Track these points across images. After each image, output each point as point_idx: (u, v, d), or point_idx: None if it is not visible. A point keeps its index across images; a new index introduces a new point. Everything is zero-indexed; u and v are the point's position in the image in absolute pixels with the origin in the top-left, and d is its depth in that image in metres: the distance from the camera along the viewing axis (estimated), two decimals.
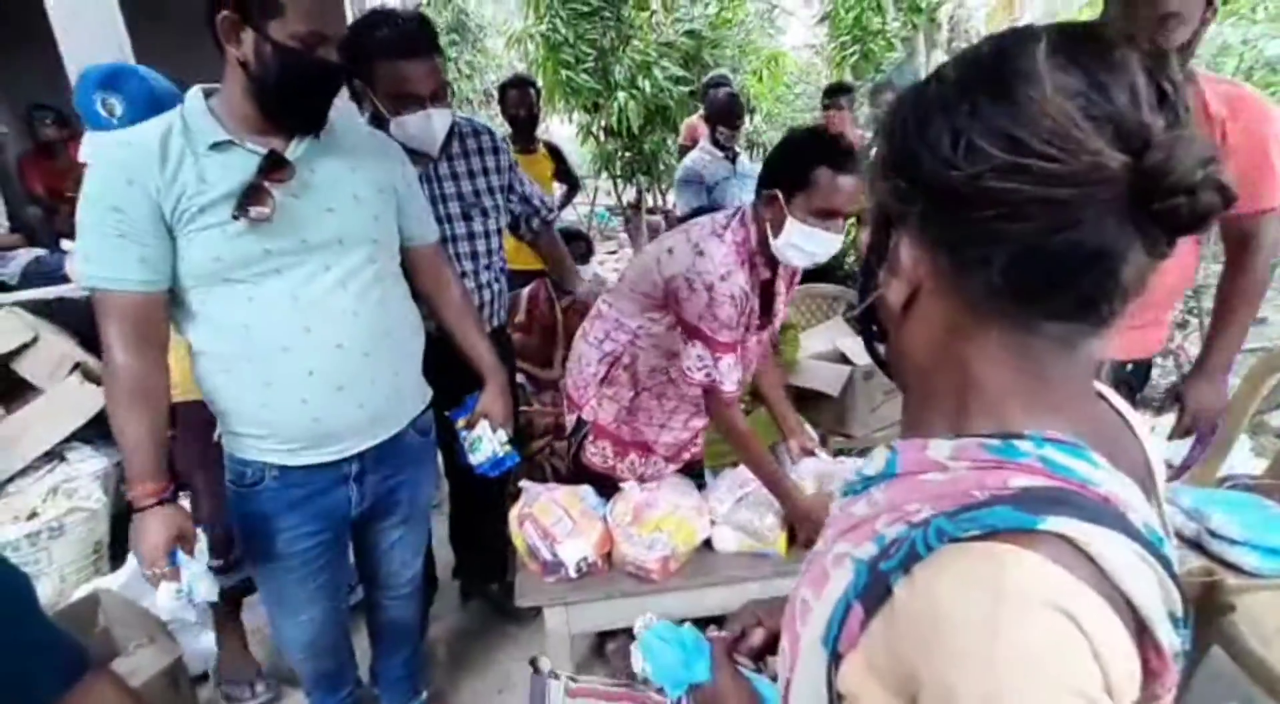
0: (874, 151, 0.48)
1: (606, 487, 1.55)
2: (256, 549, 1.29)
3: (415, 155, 1.56)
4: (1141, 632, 0.39)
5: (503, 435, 1.44)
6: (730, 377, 1.40)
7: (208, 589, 1.13)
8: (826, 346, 2.65)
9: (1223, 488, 1.70)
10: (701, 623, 0.80)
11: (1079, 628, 0.35)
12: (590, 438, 1.60)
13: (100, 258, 1.06)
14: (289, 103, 1.10)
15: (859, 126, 3.99)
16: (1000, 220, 0.39)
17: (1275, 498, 1.53)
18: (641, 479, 1.56)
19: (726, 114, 2.96)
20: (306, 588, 1.33)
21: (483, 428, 1.43)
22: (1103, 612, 0.36)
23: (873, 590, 0.43)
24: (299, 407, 1.17)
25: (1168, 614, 0.40)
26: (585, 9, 5.94)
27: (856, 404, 2.46)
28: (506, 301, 1.91)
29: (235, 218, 1.07)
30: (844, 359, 2.56)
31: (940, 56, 6.06)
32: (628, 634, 1.79)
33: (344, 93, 1.32)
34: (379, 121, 1.54)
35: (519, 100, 3.02)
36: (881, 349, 0.54)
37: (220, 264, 1.09)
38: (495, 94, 3.45)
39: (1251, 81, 2.91)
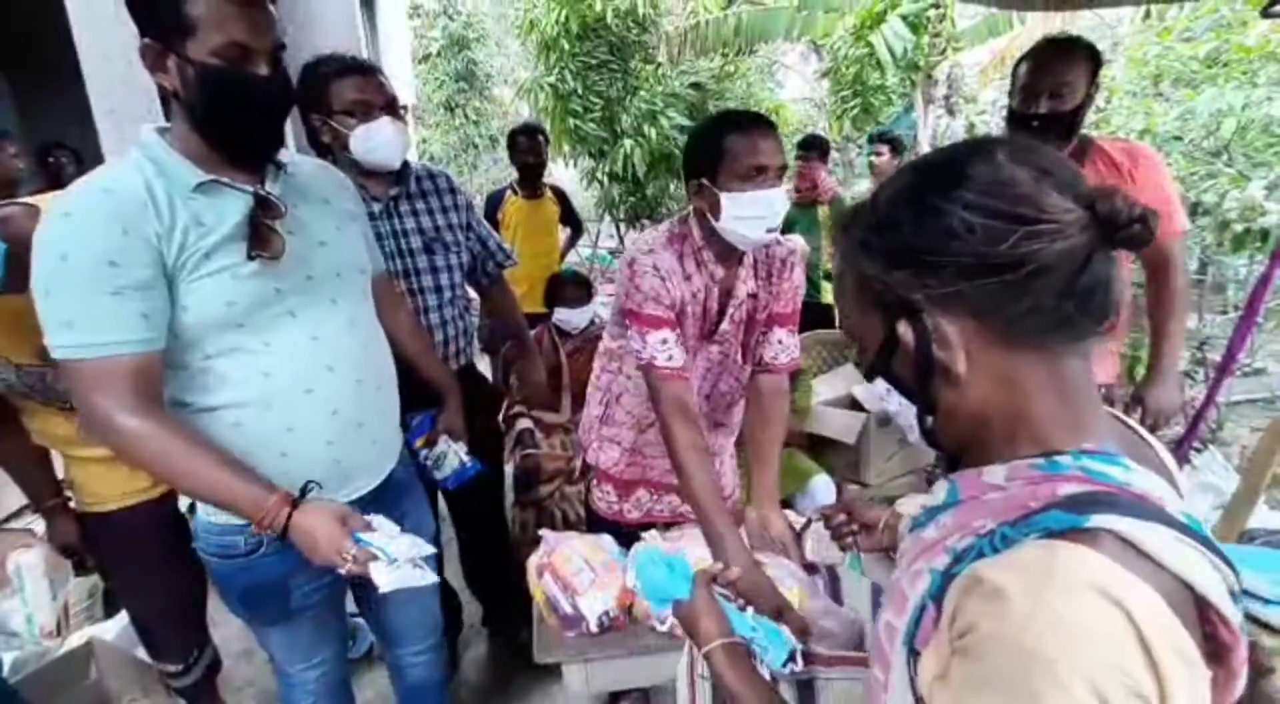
0: (859, 253, 0.56)
1: (624, 535, 1.51)
2: (263, 615, 1.22)
3: (375, 182, 1.58)
4: (1204, 609, 0.44)
5: (463, 447, 1.49)
6: (661, 352, 1.30)
7: (409, 543, 1.03)
8: (839, 393, 2.64)
9: (1247, 544, 1.68)
10: None
11: (1123, 610, 0.40)
12: (595, 482, 1.58)
13: (90, 321, 0.93)
14: (227, 127, 1.01)
15: (834, 176, 4.11)
16: (1036, 277, 0.49)
17: None
18: (651, 517, 1.52)
19: None
20: (319, 632, 1.28)
21: (445, 443, 1.48)
22: (1149, 597, 0.41)
23: (942, 589, 0.49)
24: (323, 449, 1.12)
25: (1226, 590, 0.45)
26: (593, 62, 6.13)
27: (871, 452, 2.43)
28: (472, 338, 1.88)
29: (252, 258, 1.02)
30: (857, 405, 2.55)
31: (937, 111, 6.24)
32: (642, 694, 1.72)
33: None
34: (336, 161, 1.53)
35: (529, 147, 3.09)
36: (928, 422, 0.59)
37: (234, 309, 1.02)
38: (500, 139, 3.53)
39: (1245, 141, 3.00)
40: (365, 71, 1.50)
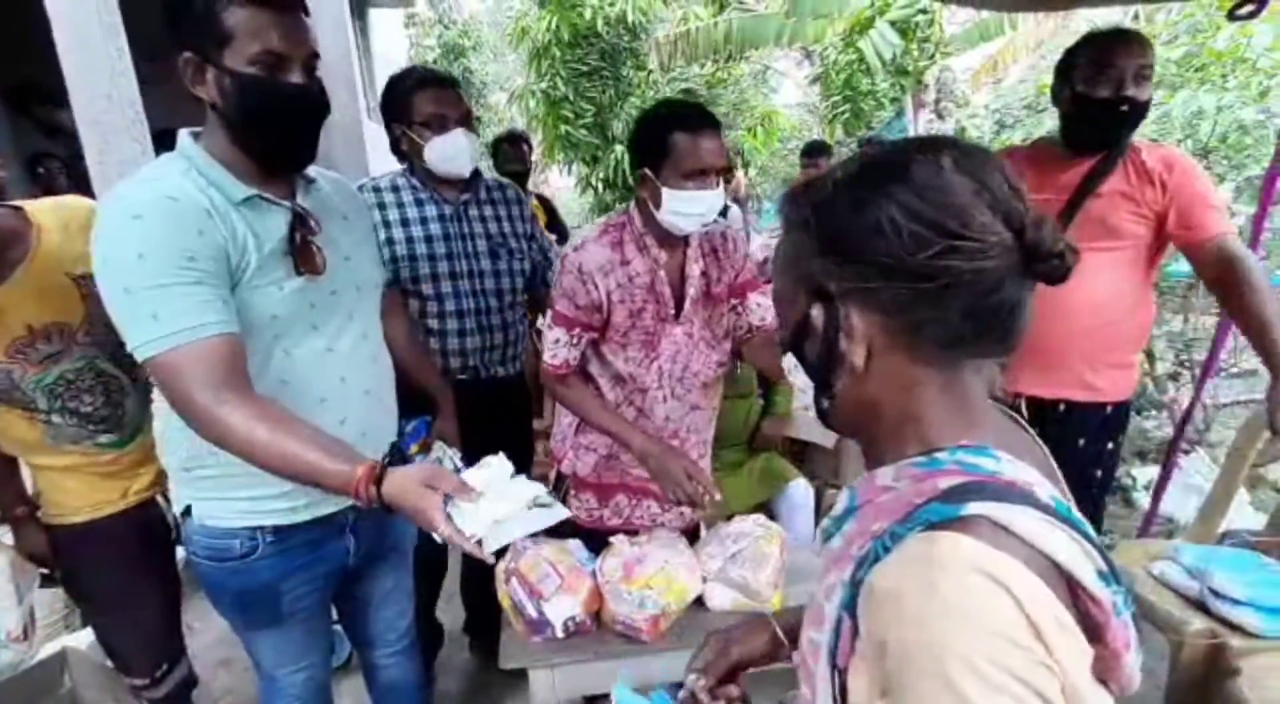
0: (793, 234, 0.58)
1: (596, 541, 1.51)
2: (258, 619, 1.22)
3: (447, 187, 1.67)
4: (1073, 588, 0.47)
5: (457, 454, 1.45)
6: (550, 347, 1.42)
7: (521, 489, 0.99)
8: None
9: (1223, 544, 1.68)
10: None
11: (1002, 587, 0.43)
12: (572, 492, 1.58)
13: (174, 310, 0.93)
14: (263, 136, 1.03)
15: None
16: (947, 290, 0.50)
17: (1276, 555, 1.51)
18: (630, 523, 1.53)
19: None
20: (309, 637, 1.29)
21: (439, 449, 1.45)
22: (1023, 573, 0.44)
23: (854, 599, 0.50)
24: None
25: (1094, 570, 0.47)
26: (585, 68, 6.18)
27: (850, 456, 2.44)
28: (526, 344, 1.93)
29: (300, 273, 1.05)
30: None
31: (926, 116, 6.27)
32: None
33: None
34: (413, 167, 1.67)
35: (513, 155, 3.11)
36: (824, 403, 0.61)
37: (276, 322, 1.05)
38: None
39: (1226, 144, 3.01)
40: (443, 84, 1.60)
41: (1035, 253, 0.50)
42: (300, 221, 1.08)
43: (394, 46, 8.21)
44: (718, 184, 1.33)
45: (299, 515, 1.15)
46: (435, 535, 0.93)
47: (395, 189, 1.67)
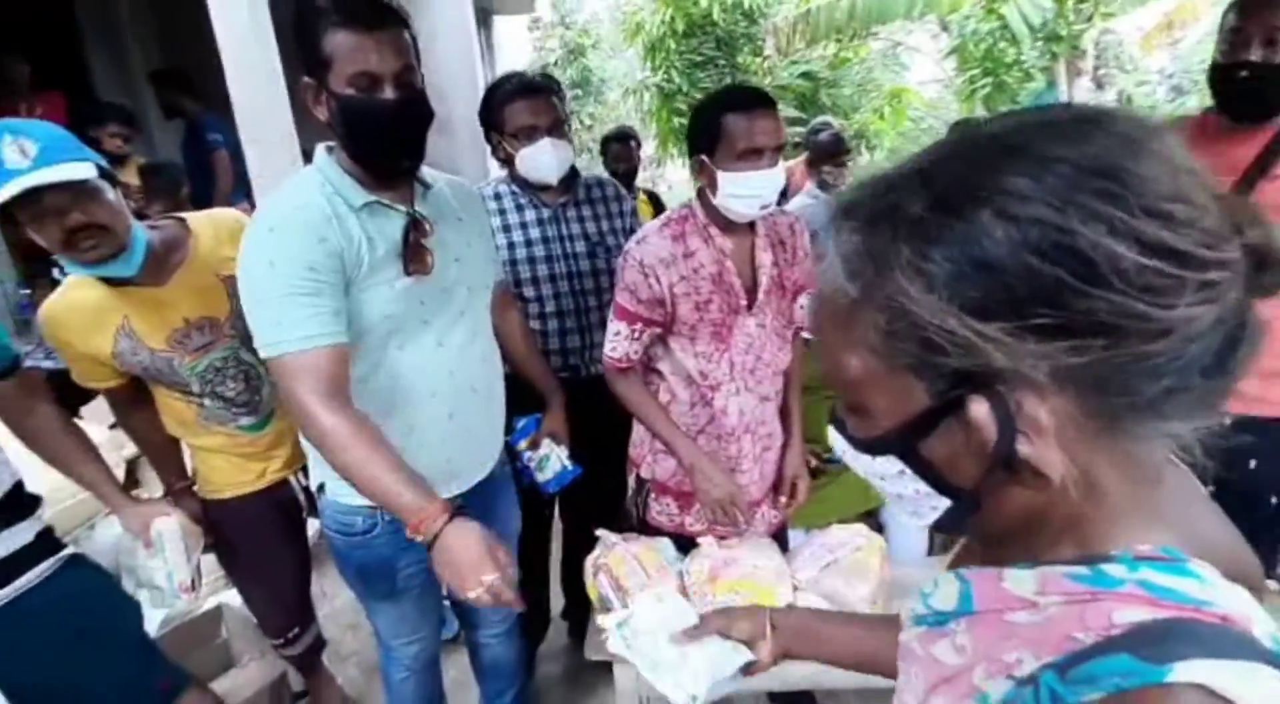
0: (905, 275, 0.36)
1: (682, 542, 1.49)
2: (376, 591, 1.34)
3: (542, 193, 1.71)
4: None
5: (565, 451, 1.52)
6: (610, 341, 1.41)
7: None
8: None
9: None
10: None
11: None
12: (652, 496, 1.57)
13: (293, 319, 1.02)
14: (365, 150, 1.11)
15: None
16: (1188, 343, 0.34)
17: None
18: (714, 529, 1.49)
19: (831, 153, 2.90)
20: (420, 611, 1.40)
21: (548, 446, 1.51)
22: None
23: None
24: (437, 448, 1.22)
25: None
26: (699, 58, 6.13)
27: (1223, 516, 2.22)
28: None
29: (408, 274, 1.13)
30: None
31: (1086, 86, 5.59)
32: None
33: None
34: (512, 174, 1.72)
35: (620, 153, 3.14)
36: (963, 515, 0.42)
37: (390, 321, 1.13)
38: None
39: None
40: (534, 94, 1.62)
41: (1265, 261, 0.35)
42: (414, 225, 1.14)
43: (518, 51, 8.60)
44: (774, 164, 1.29)
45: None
46: (463, 595, 0.99)
47: (498, 196, 1.73)
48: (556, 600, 2.13)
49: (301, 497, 1.57)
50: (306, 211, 1.06)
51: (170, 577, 1.35)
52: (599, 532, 1.49)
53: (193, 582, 1.42)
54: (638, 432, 1.60)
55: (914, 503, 0.42)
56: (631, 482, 1.62)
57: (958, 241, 0.35)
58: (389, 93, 1.05)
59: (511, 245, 1.71)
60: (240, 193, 3.26)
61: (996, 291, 0.34)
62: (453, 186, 1.31)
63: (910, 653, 0.49)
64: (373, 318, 1.12)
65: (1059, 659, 0.36)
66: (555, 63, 10.58)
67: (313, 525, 1.92)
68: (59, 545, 1.29)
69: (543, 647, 2.07)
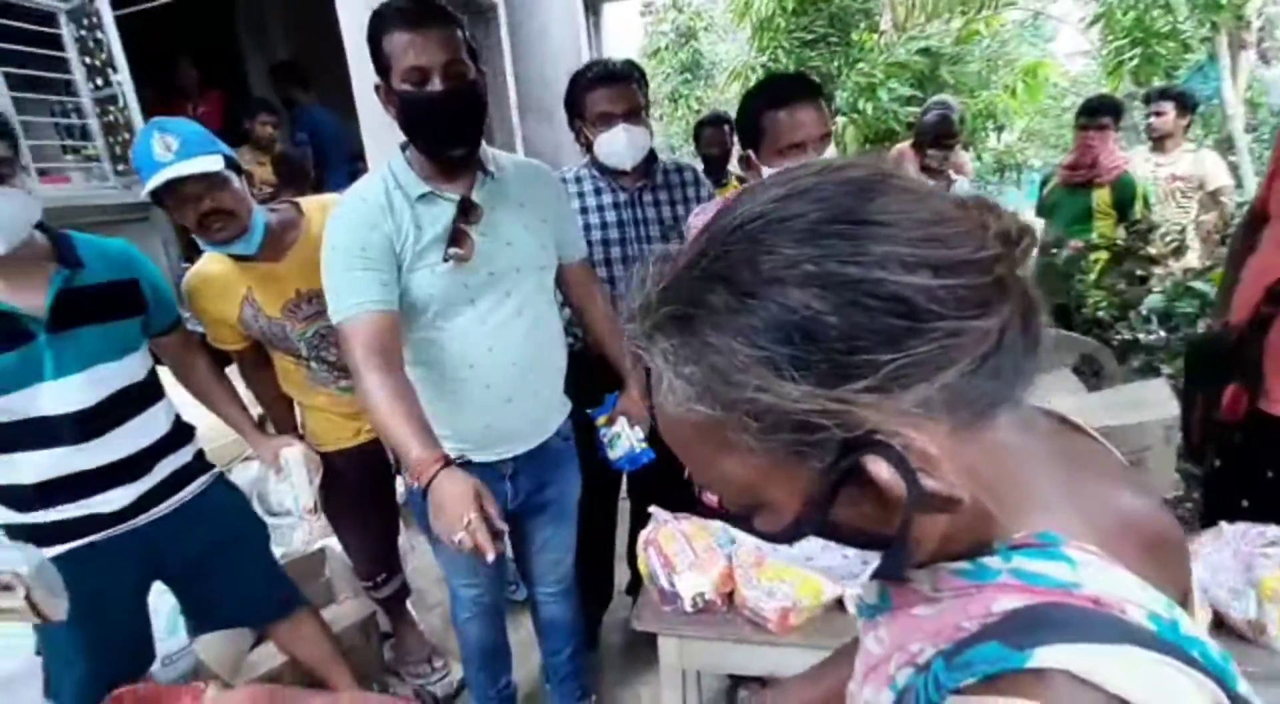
0: (761, 376, 0.35)
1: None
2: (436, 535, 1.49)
3: (619, 177, 1.75)
4: None
5: (639, 433, 1.54)
6: None
7: None
8: (1037, 404, 2.27)
9: None
10: None
11: None
12: None
13: (348, 289, 1.20)
14: (421, 141, 1.22)
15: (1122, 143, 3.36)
16: (1005, 334, 0.37)
17: None
18: None
19: (936, 135, 2.73)
20: (475, 560, 1.51)
21: (621, 425, 1.55)
22: None
23: None
24: (476, 414, 1.35)
25: None
26: (810, 37, 5.90)
27: (1144, 486, 2.06)
28: None
29: (446, 259, 1.24)
30: None
31: (1251, 59, 4.86)
32: (760, 683, 1.72)
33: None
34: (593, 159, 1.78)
35: (713, 138, 3.12)
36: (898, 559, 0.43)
37: (433, 299, 1.27)
38: None
39: None
40: (613, 81, 1.68)
41: (1012, 239, 0.38)
42: (462, 213, 1.23)
43: (629, 37, 8.66)
44: (821, 154, 1.28)
45: (466, 457, 1.35)
46: (447, 538, 1.08)
47: (578, 180, 1.80)
48: (624, 577, 2.20)
49: (391, 455, 1.73)
50: (364, 203, 1.22)
51: (296, 499, 1.53)
52: (652, 509, 1.53)
53: (315, 505, 1.60)
54: None
55: (848, 567, 0.42)
56: None
57: (780, 322, 0.35)
58: (437, 84, 1.15)
59: (588, 228, 1.77)
60: (343, 173, 3.56)
61: (838, 357, 0.34)
62: (521, 171, 1.38)
63: (861, 651, 0.51)
64: (418, 297, 1.24)
65: (948, 648, 0.38)
66: (666, 47, 10.54)
67: (401, 484, 2.11)
68: (211, 465, 1.53)
69: (607, 617, 2.16)
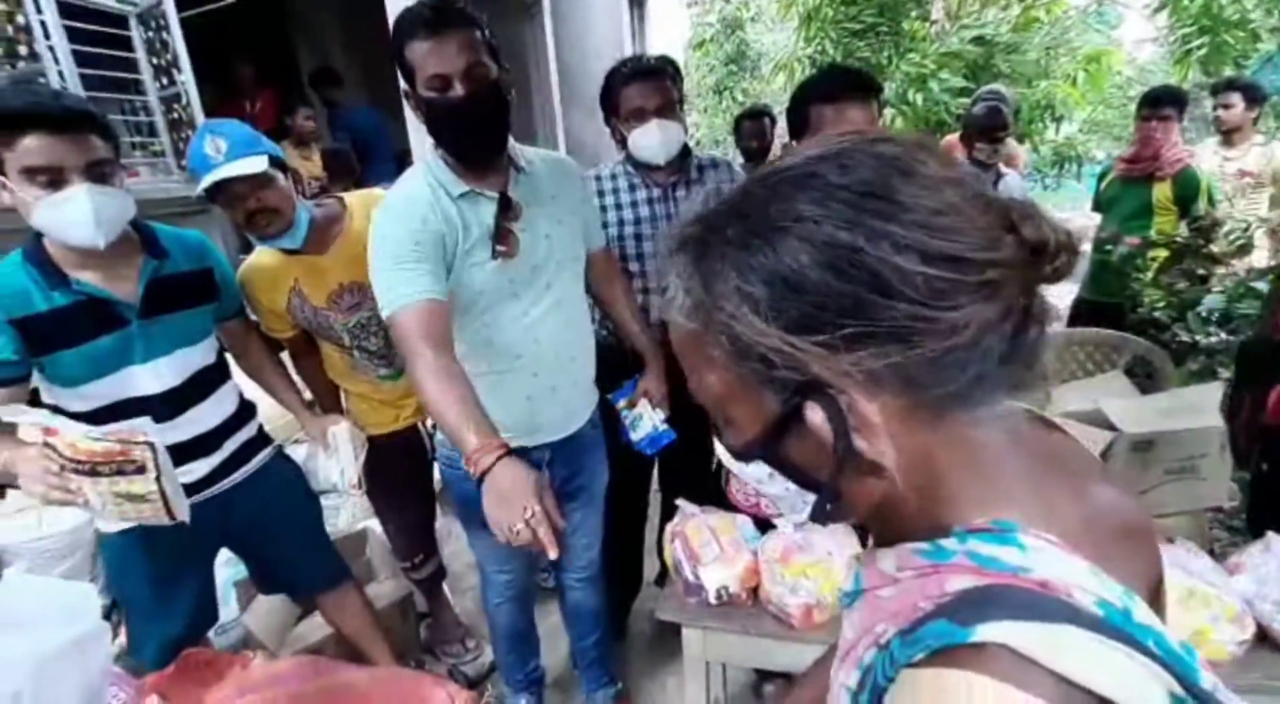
0: (735, 305, 0.40)
1: (764, 523, 1.51)
2: (471, 518, 1.53)
3: (652, 173, 1.77)
4: None
5: (660, 414, 1.58)
6: None
7: None
8: (1085, 405, 2.19)
9: None
10: None
11: None
12: (732, 474, 1.58)
13: (400, 281, 1.20)
14: (447, 144, 1.25)
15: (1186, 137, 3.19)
16: (982, 335, 0.38)
17: None
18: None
19: (985, 128, 2.65)
20: (511, 548, 1.54)
21: (643, 406, 1.59)
22: None
23: None
24: (523, 403, 1.40)
25: (1165, 695, 0.35)
26: (858, 27, 5.78)
27: (1118, 481, 1.99)
28: None
29: (494, 257, 1.28)
30: (1108, 425, 2.10)
31: None
32: (786, 679, 1.73)
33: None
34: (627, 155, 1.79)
35: (752, 130, 3.10)
36: (826, 508, 0.47)
37: (481, 295, 1.31)
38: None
39: None
40: (645, 77, 1.69)
41: (1043, 252, 0.38)
42: (505, 208, 1.27)
43: (674, 29, 8.63)
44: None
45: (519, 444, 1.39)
46: (503, 529, 1.04)
47: (613, 176, 1.82)
48: (654, 569, 2.23)
49: (428, 442, 1.80)
50: (412, 197, 1.26)
51: (342, 474, 1.61)
52: (679, 501, 1.55)
53: (360, 481, 1.67)
54: None
55: (789, 501, 0.47)
56: (715, 460, 1.66)
57: (769, 267, 0.39)
58: (459, 90, 1.17)
59: (621, 223, 1.79)
60: (388, 169, 3.68)
61: (807, 309, 0.38)
62: (548, 165, 1.41)
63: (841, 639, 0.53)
64: (467, 294, 1.28)
65: (905, 626, 0.40)
66: (711, 38, 10.46)
67: (438, 470, 2.18)
68: (271, 440, 1.63)
69: (636, 606, 2.19)
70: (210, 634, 1.68)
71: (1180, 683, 0.35)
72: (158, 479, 1.09)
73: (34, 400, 1.31)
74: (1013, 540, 0.40)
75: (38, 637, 1.40)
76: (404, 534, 1.90)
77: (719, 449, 0.50)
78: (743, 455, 0.46)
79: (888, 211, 0.37)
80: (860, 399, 0.39)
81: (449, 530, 2.43)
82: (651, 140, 1.69)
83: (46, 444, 1.03)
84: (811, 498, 0.45)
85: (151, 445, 1.07)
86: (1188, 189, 2.70)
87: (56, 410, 1.34)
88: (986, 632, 0.35)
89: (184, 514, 1.18)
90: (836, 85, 1.30)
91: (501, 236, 1.27)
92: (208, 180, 1.40)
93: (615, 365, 1.66)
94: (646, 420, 1.63)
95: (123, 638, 1.96)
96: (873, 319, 0.37)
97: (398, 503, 1.85)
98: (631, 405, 1.65)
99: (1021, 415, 0.50)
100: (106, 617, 1.60)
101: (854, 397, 0.39)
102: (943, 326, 0.37)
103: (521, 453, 1.40)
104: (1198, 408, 1.82)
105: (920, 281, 0.37)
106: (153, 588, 1.43)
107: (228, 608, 1.85)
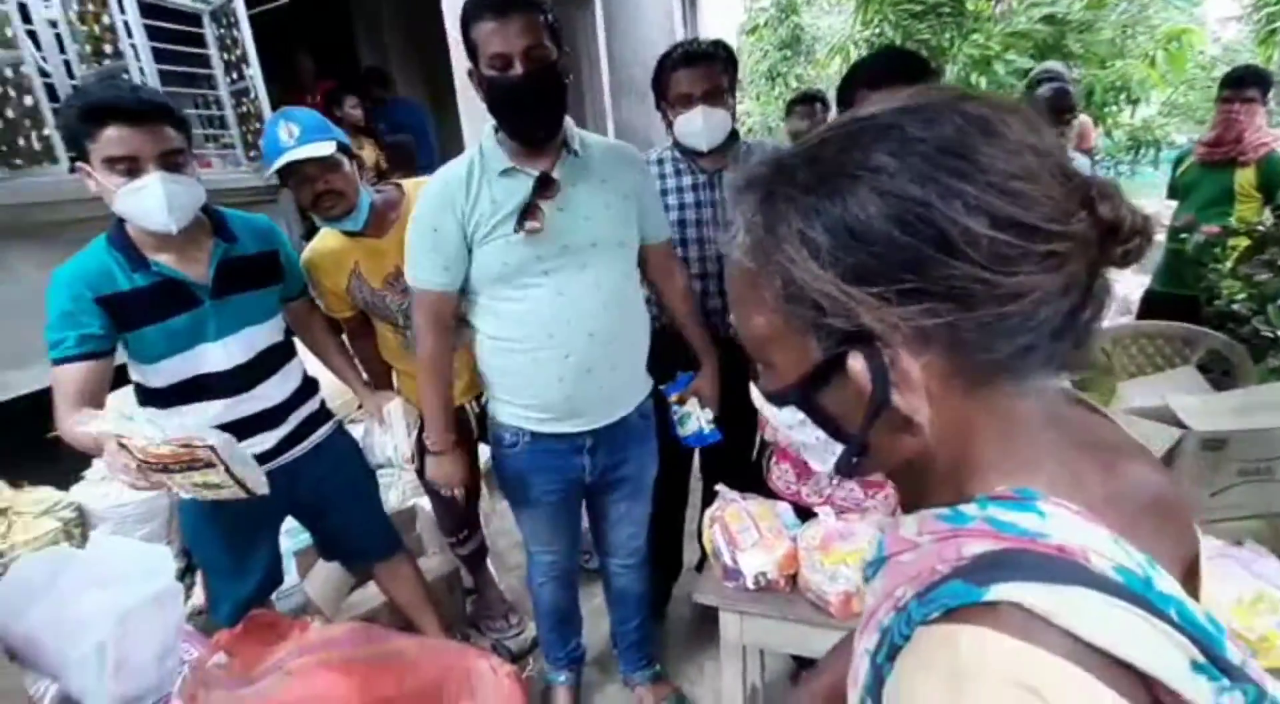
0: (795, 248, 0.40)
1: (801, 508, 1.50)
2: (515, 497, 1.60)
3: (699, 158, 1.76)
4: (1154, 686, 0.34)
5: (709, 414, 1.58)
6: None
7: None
8: (1153, 402, 2.09)
9: None
10: None
11: (1045, 701, 0.32)
12: (774, 459, 1.58)
13: (417, 262, 1.38)
14: (504, 122, 1.30)
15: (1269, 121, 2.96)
16: (1040, 307, 0.38)
17: None
18: (832, 503, 1.47)
19: (1052, 109, 2.54)
20: (552, 527, 1.62)
21: (692, 404, 1.59)
22: (1069, 678, 0.33)
23: (874, 684, 0.43)
24: (556, 384, 1.42)
25: (1186, 662, 0.35)
26: (918, 8, 5.58)
27: (1186, 480, 1.89)
28: None
29: (516, 231, 1.32)
30: (1176, 422, 1.99)
31: None
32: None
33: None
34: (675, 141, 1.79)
35: (805, 114, 3.04)
36: (852, 461, 0.47)
37: (505, 268, 1.35)
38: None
39: None
40: (694, 63, 1.69)
41: (1116, 232, 0.38)
42: (544, 186, 1.29)
43: (728, 15, 8.51)
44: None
45: (545, 427, 1.46)
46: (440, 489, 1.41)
47: (660, 161, 1.82)
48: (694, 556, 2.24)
49: (474, 422, 1.85)
50: (445, 183, 1.33)
51: (396, 449, 1.67)
52: (719, 487, 1.56)
53: (413, 455, 1.74)
54: None
55: (817, 450, 0.47)
56: (756, 441, 1.66)
57: (835, 214, 0.39)
58: (519, 69, 1.22)
59: (667, 209, 1.79)
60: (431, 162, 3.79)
61: (867, 260, 0.38)
62: (605, 150, 1.43)
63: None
64: (494, 267, 1.34)
65: (922, 588, 0.41)
66: (766, 23, 10.27)
67: (484, 452, 2.24)
68: (332, 414, 1.72)
69: (676, 591, 2.21)
70: (273, 597, 1.78)
71: (1205, 654, 0.35)
72: (227, 470, 1.15)
73: (121, 378, 1.42)
74: (1032, 507, 0.40)
75: (121, 593, 1.52)
76: (449, 511, 1.96)
77: (753, 395, 0.49)
78: (777, 400, 0.46)
79: (964, 171, 0.37)
80: (904, 355, 0.39)
81: (495, 509, 2.49)
82: (695, 126, 1.68)
83: (121, 445, 1.09)
84: (839, 449, 0.46)
85: (211, 448, 1.12)
86: (1273, 175, 2.53)
87: (140, 389, 1.44)
88: (1000, 591, 0.36)
89: (263, 488, 1.24)
90: (882, 70, 1.28)
91: (530, 212, 1.30)
92: (280, 161, 1.48)
93: (674, 355, 1.65)
94: (694, 419, 1.63)
95: (195, 599, 2.10)
96: (932, 277, 0.37)
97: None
98: (682, 402, 1.65)
99: (1062, 395, 0.49)
100: (180, 579, 1.72)
101: (898, 352, 0.39)
102: (1001, 292, 0.37)
103: (561, 439, 1.46)
104: (1276, 406, 1.72)
105: (986, 244, 0.36)
106: (226, 551, 1.55)
107: (288, 577, 1.95)
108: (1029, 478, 0.42)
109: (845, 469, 0.47)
